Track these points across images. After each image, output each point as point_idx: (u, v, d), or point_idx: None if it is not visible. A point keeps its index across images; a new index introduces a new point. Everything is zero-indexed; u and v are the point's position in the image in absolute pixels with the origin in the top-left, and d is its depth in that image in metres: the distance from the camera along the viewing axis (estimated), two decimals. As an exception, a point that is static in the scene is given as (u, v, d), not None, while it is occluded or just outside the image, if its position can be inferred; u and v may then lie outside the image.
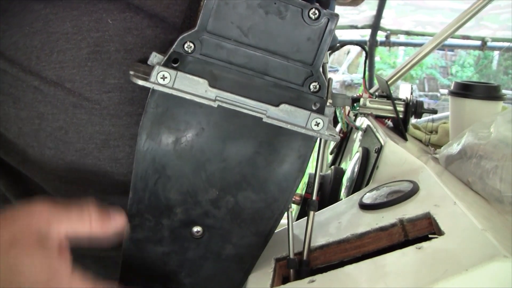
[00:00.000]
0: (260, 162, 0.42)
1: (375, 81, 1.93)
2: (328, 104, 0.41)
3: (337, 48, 0.85)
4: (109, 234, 0.40)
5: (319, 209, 0.62)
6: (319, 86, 0.40)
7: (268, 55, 0.39)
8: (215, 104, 0.39)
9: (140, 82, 0.38)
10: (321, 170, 1.59)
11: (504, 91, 0.82)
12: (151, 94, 0.39)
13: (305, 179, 0.82)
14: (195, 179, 0.42)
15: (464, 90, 0.82)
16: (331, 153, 1.08)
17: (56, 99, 0.46)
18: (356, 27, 2.17)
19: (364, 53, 0.84)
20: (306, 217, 0.61)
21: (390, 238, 0.48)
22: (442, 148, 0.66)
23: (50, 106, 0.46)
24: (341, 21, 2.33)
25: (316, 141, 0.42)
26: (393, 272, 0.40)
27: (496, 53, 3.59)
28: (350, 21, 2.17)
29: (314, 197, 0.49)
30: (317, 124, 0.40)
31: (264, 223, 0.44)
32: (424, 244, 0.42)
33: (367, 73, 0.89)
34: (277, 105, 0.40)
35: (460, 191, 0.53)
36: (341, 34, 2.68)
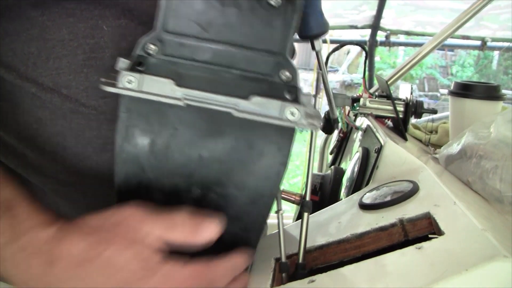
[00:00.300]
0: (238, 158, 0.41)
1: (375, 81, 1.93)
2: (305, 92, 0.40)
3: (337, 48, 0.85)
4: (201, 243, 0.39)
5: (319, 209, 0.62)
6: (291, 74, 0.39)
7: (232, 48, 0.38)
8: (182, 103, 0.38)
9: (108, 89, 0.38)
10: (320, 170, 1.58)
11: (504, 91, 0.82)
12: (121, 99, 0.39)
13: (305, 179, 0.82)
14: (175, 179, 0.41)
15: (464, 90, 0.82)
16: (331, 153, 1.08)
17: (53, 105, 0.46)
18: (356, 27, 2.17)
19: (364, 53, 0.84)
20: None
21: (390, 238, 0.48)
22: (442, 148, 0.66)
23: (48, 111, 0.46)
24: (341, 21, 2.33)
25: (295, 132, 0.40)
26: (393, 272, 0.40)
27: (496, 53, 3.60)
28: (350, 21, 2.17)
29: (308, 198, 0.48)
30: (293, 114, 0.39)
31: (252, 219, 0.44)
32: (424, 244, 0.42)
33: (367, 73, 0.89)
34: (248, 98, 0.38)
35: (460, 191, 0.53)
36: (341, 34, 2.67)
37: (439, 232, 0.43)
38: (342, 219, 0.55)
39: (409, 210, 0.49)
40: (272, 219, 0.51)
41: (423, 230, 0.47)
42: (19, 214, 0.37)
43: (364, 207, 0.55)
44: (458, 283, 0.36)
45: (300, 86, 0.39)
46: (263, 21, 0.38)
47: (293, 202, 0.86)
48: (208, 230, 0.39)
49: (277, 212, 0.47)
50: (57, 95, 0.45)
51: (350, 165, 0.75)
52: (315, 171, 1.66)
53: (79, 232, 0.37)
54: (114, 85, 0.38)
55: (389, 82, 1.45)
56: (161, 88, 0.38)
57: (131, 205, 0.39)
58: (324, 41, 2.32)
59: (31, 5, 0.43)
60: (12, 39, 0.44)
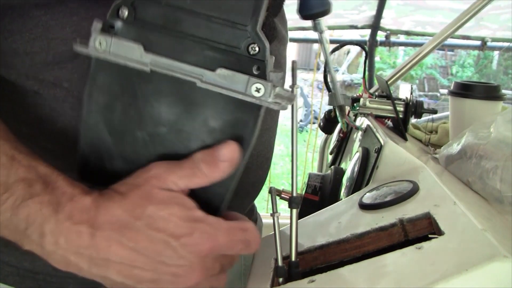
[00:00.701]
0: (201, 130, 0.40)
1: (375, 81, 1.93)
2: (275, 69, 0.38)
3: (337, 48, 0.85)
4: (225, 174, 0.39)
5: (319, 209, 0.62)
6: (259, 48, 0.37)
7: (203, 18, 0.38)
8: (148, 69, 0.38)
9: (79, 49, 0.38)
10: (320, 170, 1.58)
11: (504, 91, 0.82)
12: (92, 62, 0.39)
13: (305, 179, 0.82)
14: (137, 146, 0.41)
15: (464, 90, 0.82)
16: (331, 153, 1.08)
17: (55, 102, 0.46)
18: (356, 27, 2.17)
19: (364, 53, 0.84)
20: (303, 218, 0.61)
21: (390, 238, 0.48)
22: (442, 148, 0.66)
23: (49, 109, 0.46)
24: (341, 21, 2.33)
25: (260, 109, 0.39)
26: (393, 272, 0.40)
27: (496, 53, 3.60)
28: (350, 21, 2.17)
29: (294, 194, 0.46)
30: (258, 90, 0.37)
31: (215, 193, 0.41)
32: (424, 244, 0.42)
33: (367, 73, 0.89)
34: (214, 70, 0.38)
35: (460, 191, 0.53)
36: (342, 34, 2.67)
37: (439, 232, 0.43)
38: (342, 219, 0.55)
39: (409, 210, 0.49)
40: (270, 220, 0.51)
41: (423, 230, 0.47)
42: (59, 187, 0.37)
43: (364, 207, 0.55)
44: (458, 283, 0.36)
45: (268, 61, 0.38)
46: None
47: (293, 202, 0.85)
48: (226, 161, 0.38)
49: (272, 214, 0.46)
50: (59, 90, 0.45)
51: (350, 165, 0.75)
52: (315, 171, 1.66)
53: (113, 200, 0.37)
54: (85, 46, 0.38)
55: (389, 82, 1.45)
56: (129, 52, 0.38)
57: (151, 166, 0.39)
58: (324, 41, 2.32)
59: (34, 5, 0.44)
60: (15, 39, 0.44)
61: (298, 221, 0.59)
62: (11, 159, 0.37)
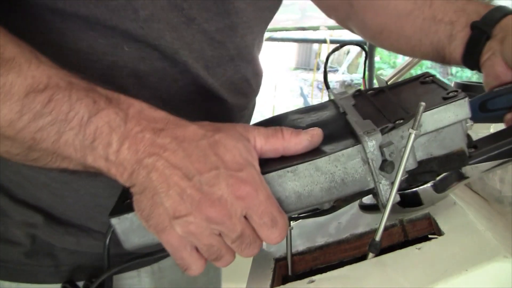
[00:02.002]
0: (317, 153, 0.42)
1: (375, 81, 1.93)
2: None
3: (337, 48, 0.85)
4: (303, 146, 0.40)
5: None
6: (389, 164, 0.39)
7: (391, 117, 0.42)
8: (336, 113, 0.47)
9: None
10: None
11: (504, 91, 0.82)
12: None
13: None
14: None
15: (464, 90, 0.82)
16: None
17: None
18: (356, 27, 2.17)
19: (364, 53, 0.84)
20: (306, 218, 0.61)
21: (390, 238, 0.48)
22: (442, 148, 0.65)
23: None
24: (341, 21, 2.31)
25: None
26: (393, 272, 0.40)
27: (496, 53, 3.60)
28: (350, 21, 2.17)
29: (377, 238, 0.42)
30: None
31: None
32: (424, 245, 0.42)
33: (367, 73, 0.89)
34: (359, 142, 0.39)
35: (460, 191, 0.53)
36: (341, 34, 2.68)
37: (439, 232, 0.43)
38: (342, 219, 0.55)
39: (409, 210, 0.49)
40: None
41: (423, 230, 0.47)
42: (125, 101, 0.38)
43: (364, 207, 0.55)
44: (458, 283, 0.36)
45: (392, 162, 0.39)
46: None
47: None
48: (307, 134, 0.40)
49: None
50: None
51: (350, 165, 0.75)
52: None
53: (188, 123, 0.39)
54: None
55: (389, 82, 1.45)
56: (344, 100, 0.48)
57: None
58: (324, 41, 2.32)
59: (49, 10, 0.43)
60: (24, 37, 0.43)
61: (298, 221, 0.59)
62: (69, 83, 0.37)
